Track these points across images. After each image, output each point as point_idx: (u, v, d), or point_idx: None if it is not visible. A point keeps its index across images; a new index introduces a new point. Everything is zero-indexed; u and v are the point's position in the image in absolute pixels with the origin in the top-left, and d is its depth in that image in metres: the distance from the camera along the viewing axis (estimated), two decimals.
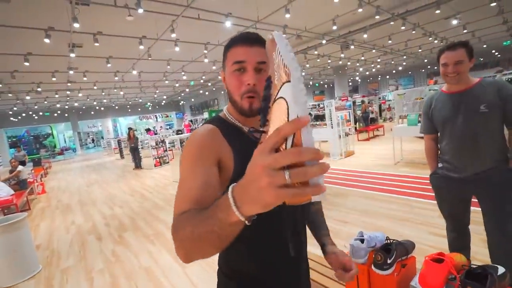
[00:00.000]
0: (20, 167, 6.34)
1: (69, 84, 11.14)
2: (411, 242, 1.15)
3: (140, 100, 21.65)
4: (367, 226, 3.11)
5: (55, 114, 20.66)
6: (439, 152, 1.80)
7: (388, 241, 1.12)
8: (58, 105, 17.89)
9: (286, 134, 0.32)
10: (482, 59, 18.54)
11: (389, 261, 1.00)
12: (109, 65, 8.43)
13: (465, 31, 9.96)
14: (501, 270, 0.87)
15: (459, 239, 1.82)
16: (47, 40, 5.52)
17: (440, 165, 1.76)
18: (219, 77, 1.37)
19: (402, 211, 3.34)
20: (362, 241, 1.12)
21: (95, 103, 19.03)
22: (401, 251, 1.05)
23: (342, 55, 11.89)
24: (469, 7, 7.81)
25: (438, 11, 6.80)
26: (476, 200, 1.65)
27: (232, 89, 0.71)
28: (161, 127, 24.67)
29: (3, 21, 5.09)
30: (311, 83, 25.70)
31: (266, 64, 0.68)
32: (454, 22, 8.26)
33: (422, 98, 5.43)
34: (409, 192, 3.95)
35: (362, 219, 3.29)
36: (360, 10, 6.37)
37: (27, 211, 5.91)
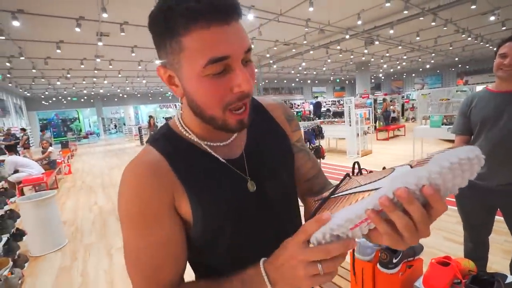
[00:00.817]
0: (50, 148, 6.78)
1: (95, 71, 11.65)
2: (420, 244, 1.15)
3: (161, 89, 22.19)
4: None
5: (82, 100, 21.68)
6: None
7: None
8: (85, 91, 18.77)
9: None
10: None
11: (394, 261, 1.02)
12: (133, 54, 8.71)
13: (503, 28, 9.29)
14: (510, 278, 0.86)
15: (477, 250, 1.73)
16: (77, 29, 5.80)
17: None
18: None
19: None
20: None
21: (118, 90, 19.77)
22: (408, 252, 1.07)
23: (366, 51, 11.51)
24: (509, 3, 7.27)
25: (473, 6, 6.39)
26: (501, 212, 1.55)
27: (207, 101, 0.45)
28: None
29: (38, 10, 5.38)
30: (332, 78, 25.14)
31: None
32: (492, 18, 7.73)
33: (449, 100, 5.18)
34: None
35: None
36: (387, 4, 6.12)
37: (55, 189, 6.34)
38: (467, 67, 20.23)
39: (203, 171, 0.52)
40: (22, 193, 5.12)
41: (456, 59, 17.57)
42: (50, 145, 7.02)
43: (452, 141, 7.08)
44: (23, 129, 11.51)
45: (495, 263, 2.09)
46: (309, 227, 0.39)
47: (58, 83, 13.61)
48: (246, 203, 0.53)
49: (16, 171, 5.24)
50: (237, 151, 0.56)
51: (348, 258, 1.24)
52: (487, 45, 12.85)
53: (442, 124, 5.28)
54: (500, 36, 11.33)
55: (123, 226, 0.49)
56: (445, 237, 2.67)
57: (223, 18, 0.41)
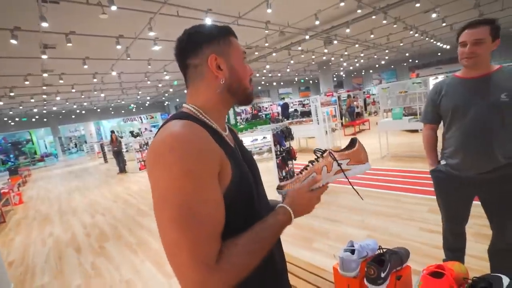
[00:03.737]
0: None
1: (44, 87, 10.58)
2: (405, 249, 1.06)
3: (123, 102, 20.98)
4: (355, 224, 3.05)
5: (33, 119, 19.71)
6: (441, 146, 1.62)
7: (381, 251, 1.02)
8: (35, 110, 17.05)
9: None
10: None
11: (383, 275, 0.91)
12: (85, 66, 8.04)
13: (444, 24, 10.15)
14: (505, 280, 0.78)
15: (456, 241, 1.71)
16: (13, 41, 5.16)
17: (443, 162, 1.58)
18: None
19: (390, 206, 3.31)
20: (352, 251, 1.02)
21: (75, 106, 18.30)
22: (396, 261, 0.96)
23: (326, 51, 11.89)
24: (447, 1, 7.94)
25: (418, 5, 6.85)
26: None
27: (246, 74, 0.71)
28: (145, 128, 24.07)
29: None
30: (296, 79, 25.73)
31: None
32: (434, 15, 8.39)
33: (406, 92, 5.45)
34: (396, 186, 3.93)
35: (351, 217, 3.23)
36: (342, 4, 6.32)
37: (1, 224, 5.55)
38: (417, 61, 21.93)
39: (227, 149, 0.64)
40: None
41: (407, 54, 18.94)
42: None
43: (413, 131, 7.53)
44: None
45: (470, 248, 2.12)
46: (309, 183, 0.72)
47: (1, 103, 12.16)
48: (252, 176, 0.71)
49: None
50: (232, 142, 0.73)
51: (331, 275, 1.10)
52: (432, 40, 14.00)
53: (403, 116, 5.52)
54: (442, 32, 12.42)
55: (176, 183, 0.51)
56: (420, 228, 2.69)
57: (236, 37, 0.74)
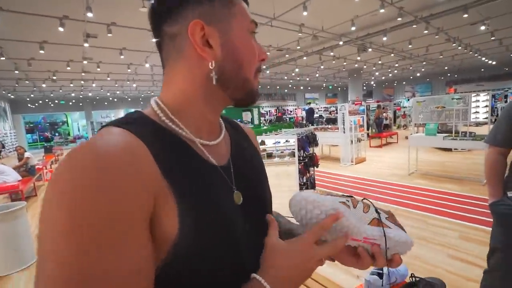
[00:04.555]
0: (27, 154, 6.39)
1: (83, 74, 11.27)
2: (440, 281, 0.95)
3: (153, 94, 21.81)
4: None
5: (70, 103, 21.09)
6: (507, 174, 1.40)
7: (413, 279, 0.93)
8: (73, 94, 18.23)
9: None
10: (507, 69, 17.69)
11: None
12: (122, 56, 8.43)
13: (492, 38, 9.44)
14: None
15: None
16: (61, 29, 5.51)
17: (511, 193, 1.35)
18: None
19: (417, 228, 3.10)
20: (380, 275, 0.93)
21: (108, 94, 19.29)
22: None
23: (359, 58, 11.53)
24: (499, 13, 7.36)
25: (465, 15, 6.41)
26: None
27: (251, 56, 0.46)
28: None
29: (19, 7, 5.09)
30: (324, 85, 25.27)
31: None
32: (482, 28, 7.82)
33: (444, 107, 5.10)
34: (424, 207, 3.68)
35: None
36: (382, 10, 6.07)
37: (33, 197, 5.95)
38: (456, 76, 20.63)
39: (194, 171, 0.41)
40: None
41: (446, 68, 17.87)
42: (25, 151, 6.59)
43: (447, 150, 7.04)
44: None
45: None
46: (319, 230, 0.44)
47: (44, 85, 13.12)
48: (232, 216, 0.44)
49: None
50: (224, 155, 0.50)
51: None
52: (476, 54, 13.07)
53: (438, 132, 5.19)
54: (489, 46, 11.56)
55: (61, 242, 0.29)
56: (449, 255, 2.48)
57: (247, 1, 0.50)
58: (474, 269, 2.10)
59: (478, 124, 7.96)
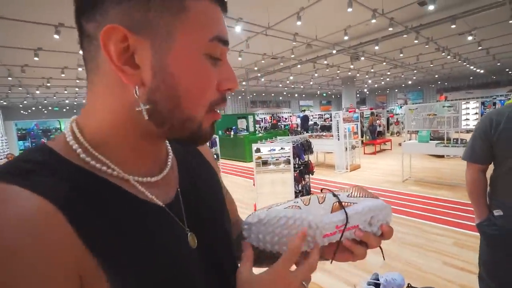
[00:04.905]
0: None
1: (77, 81, 11.21)
2: None
3: None
4: (373, 251, 2.89)
5: (64, 110, 20.90)
6: (489, 190, 1.38)
7: None
8: (67, 101, 18.09)
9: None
10: (494, 77, 18.22)
11: None
12: None
13: (480, 47, 9.75)
14: None
15: None
16: (56, 36, 5.51)
17: (497, 212, 1.30)
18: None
19: (411, 234, 3.12)
20: (376, 285, 0.94)
21: None
22: None
23: (352, 66, 11.76)
24: (486, 24, 7.62)
25: (453, 26, 6.63)
26: None
27: (200, 88, 0.32)
28: None
29: (14, 14, 5.08)
30: (318, 92, 25.56)
31: None
32: (469, 38, 8.07)
33: (436, 115, 5.21)
34: (419, 214, 3.71)
35: None
36: (373, 21, 6.23)
37: None
38: (446, 84, 21.15)
39: (130, 224, 0.32)
40: None
41: (436, 76, 18.31)
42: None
43: (439, 156, 7.15)
44: None
45: None
46: (290, 255, 0.39)
47: (38, 92, 13.00)
48: (189, 264, 0.37)
49: None
50: (170, 190, 0.40)
51: None
52: (465, 63, 13.45)
53: (430, 139, 5.28)
54: (477, 55, 11.92)
55: None
56: (444, 262, 2.50)
57: (224, 5, 0.34)
58: (470, 276, 2.11)
59: (468, 131, 8.16)
